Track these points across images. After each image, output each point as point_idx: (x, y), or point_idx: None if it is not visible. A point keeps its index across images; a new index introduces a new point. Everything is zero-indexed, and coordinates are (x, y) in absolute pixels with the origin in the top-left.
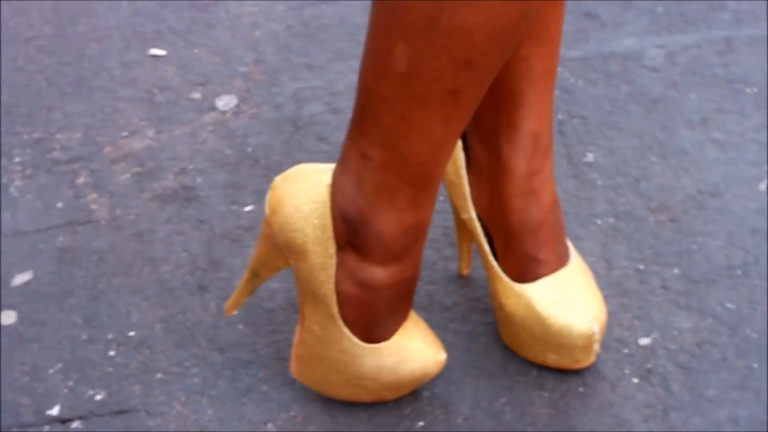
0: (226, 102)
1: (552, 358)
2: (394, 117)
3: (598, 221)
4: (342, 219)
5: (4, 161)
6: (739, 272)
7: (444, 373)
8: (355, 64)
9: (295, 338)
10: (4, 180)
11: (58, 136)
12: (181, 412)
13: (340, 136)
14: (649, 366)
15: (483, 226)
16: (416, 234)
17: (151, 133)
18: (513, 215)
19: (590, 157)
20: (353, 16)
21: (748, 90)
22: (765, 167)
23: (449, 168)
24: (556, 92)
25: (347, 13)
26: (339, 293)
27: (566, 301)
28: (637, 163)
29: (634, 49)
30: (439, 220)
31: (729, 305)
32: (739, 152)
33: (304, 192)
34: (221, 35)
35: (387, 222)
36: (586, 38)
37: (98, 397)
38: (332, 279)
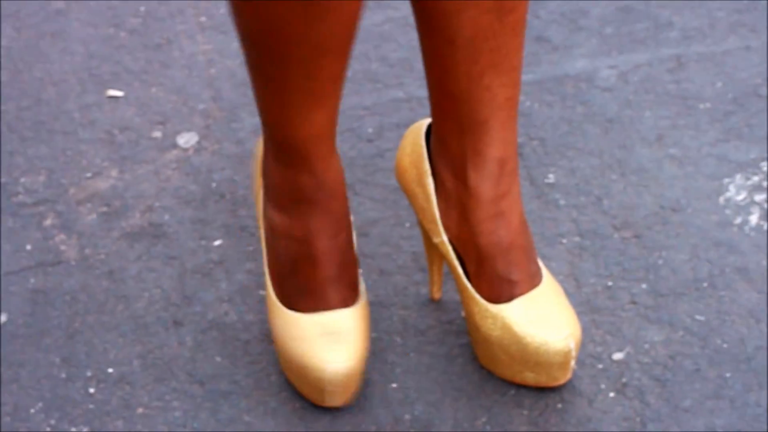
0: (187, 139)
1: (530, 377)
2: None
3: (564, 240)
4: None
5: None
6: (705, 284)
7: (423, 396)
8: None
9: None
10: None
11: (22, 179)
12: None
13: None
14: (624, 380)
15: (454, 249)
16: (295, 194)
17: (114, 173)
18: (483, 238)
19: (551, 177)
20: None
21: (701, 106)
22: (724, 181)
23: (419, 193)
24: None
25: None
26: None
27: (542, 319)
28: (598, 182)
29: (587, 70)
30: (408, 245)
31: (698, 317)
32: (698, 167)
33: None
34: (177, 74)
35: (270, 166)
36: (538, 61)
37: None
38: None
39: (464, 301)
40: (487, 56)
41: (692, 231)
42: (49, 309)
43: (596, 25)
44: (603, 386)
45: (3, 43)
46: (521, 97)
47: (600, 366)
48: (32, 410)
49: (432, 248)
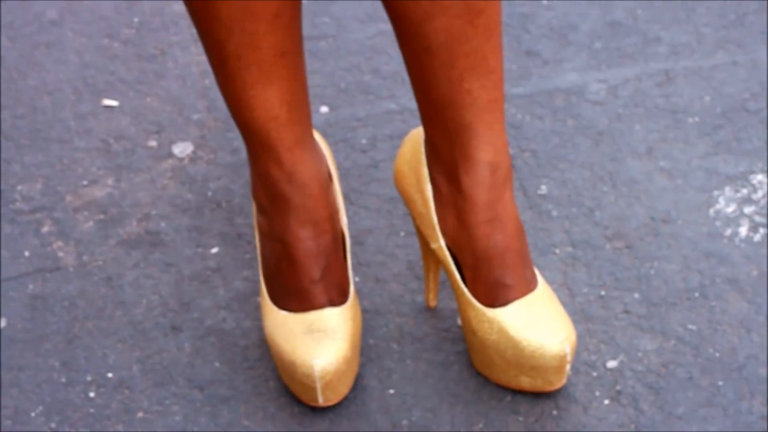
0: (182, 149)
1: (525, 381)
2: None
3: (557, 250)
4: None
5: None
6: (696, 294)
7: (420, 401)
8: None
9: None
10: None
11: (19, 187)
12: None
13: None
14: (618, 387)
15: (451, 254)
16: (269, 190)
17: (110, 181)
18: (479, 242)
19: (544, 189)
20: None
21: (690, 120)
22: (713, 193)
23: (417, 199)
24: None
25: None
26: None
27: (537, 324)
28: (589, 194)
29: (577, 84)
30: (403, 254)
31: (690, 326)
32: (687, 180)
33: None
34: (172, 84)
35: (250, 165)
36: (529, 75)
37: None
38: None
39: (461, 307)
40: (463, 60)
41: (683, 242)
42: (48, 314)
43: (585, 39)
44: (597, 393)
45: None
46: (512, 110)
47: (594, 374)
48: (33, 414)
49: (429, 255)
